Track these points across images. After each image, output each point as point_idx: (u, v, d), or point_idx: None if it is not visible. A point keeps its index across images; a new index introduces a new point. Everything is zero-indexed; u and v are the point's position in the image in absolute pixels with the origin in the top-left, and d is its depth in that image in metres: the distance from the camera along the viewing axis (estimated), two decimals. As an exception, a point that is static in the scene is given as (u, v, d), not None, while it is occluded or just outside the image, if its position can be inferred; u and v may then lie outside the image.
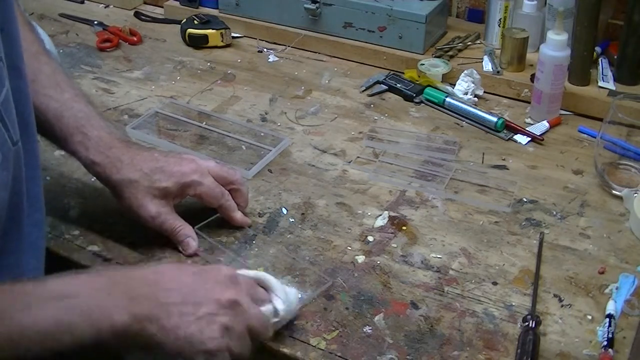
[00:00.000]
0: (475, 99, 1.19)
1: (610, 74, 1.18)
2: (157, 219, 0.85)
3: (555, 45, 1.08)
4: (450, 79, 1.23)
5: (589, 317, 0.78)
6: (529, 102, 1.16)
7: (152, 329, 0.65)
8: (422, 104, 1.19)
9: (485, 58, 1.25)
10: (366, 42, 1.32)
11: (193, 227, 0.88)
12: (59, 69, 0.88)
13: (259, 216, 0.93)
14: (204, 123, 1.12)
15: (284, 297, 0.74)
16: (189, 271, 0.72)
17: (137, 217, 0.85)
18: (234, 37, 1.40)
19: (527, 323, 0.75)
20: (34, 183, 0.75)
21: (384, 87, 1.23)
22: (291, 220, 0.93)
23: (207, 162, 0.89)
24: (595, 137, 1.02)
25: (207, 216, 0.90)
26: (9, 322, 0.60)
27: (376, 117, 1.16)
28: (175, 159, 0.87)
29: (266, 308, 0.73)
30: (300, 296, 0.78)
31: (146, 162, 0.85)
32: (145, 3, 1.56)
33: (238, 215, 0.90)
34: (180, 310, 0.67)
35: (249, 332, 0.70)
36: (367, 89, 1.23)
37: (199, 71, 1.30)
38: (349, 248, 0.88)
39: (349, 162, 1.04)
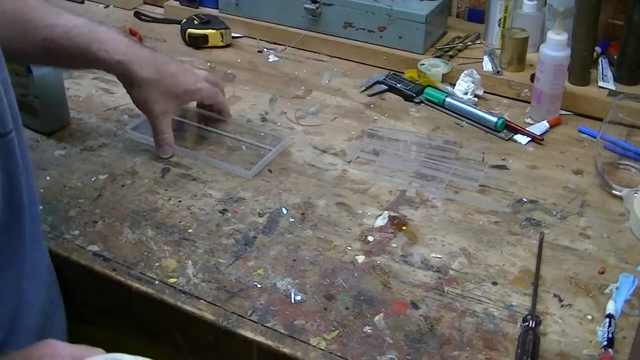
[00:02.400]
0: (475, 99, 1.19)
1: (610, 74, 1.18)
2: (158, 118, 1.00)
3: (555, 45, 1.08)
4: (450, 79, 1.23)
5: (589, 317, 0.78)
6: (529, 102, 1.16)
7: None
8: (422, 104, 1.19)
9: (485, 58, 1.25)
10: (366, 42, 1.32)
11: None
12: (44, 1, 0.94)
13: (259, 216, 0.93)
14: (203, 123, 1.12)
15: None
16: None
17: (146, 110, 1.01)
18: (234, 37, 1.40)
19: (527, 323, 0.75)
20: (27, 175, 0.74)
21: (384, 87, 1.23)
22: (291, 220, 0.93)
23: (201, 72, 1.09)
24: (595, 137, 1.02)
25: None
26: None
27: (376, 117, 1.16)
28: (182, 69, 1.02)
29: None
30: None
31: (163, 66, 0.99)
32: (145, 3, 1.56)
33: (228, 107, 1.11)
34: None
35: None
36: (367, 89, 1.23)
37: (199, 71, 1.30)
38: (349, 248, 0.88)
39: (349, 162, 1.04)
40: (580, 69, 1.16)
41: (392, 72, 1.26)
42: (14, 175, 0.70)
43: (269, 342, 0.75)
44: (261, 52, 1.37)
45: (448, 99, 1.16)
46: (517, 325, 0.77)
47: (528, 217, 0.93)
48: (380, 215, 0.94)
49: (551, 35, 1.08)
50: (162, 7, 1.52)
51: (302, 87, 1.24)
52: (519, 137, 1.10)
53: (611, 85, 1.16)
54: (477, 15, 1.39)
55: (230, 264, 0.86)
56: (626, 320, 0.78)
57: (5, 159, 0.69)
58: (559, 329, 0.77)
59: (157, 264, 0.86)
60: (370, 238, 0.90)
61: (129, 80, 0.98)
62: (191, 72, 1.05)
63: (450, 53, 1.27)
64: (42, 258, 0.79)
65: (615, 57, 1.18)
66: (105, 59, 0.95)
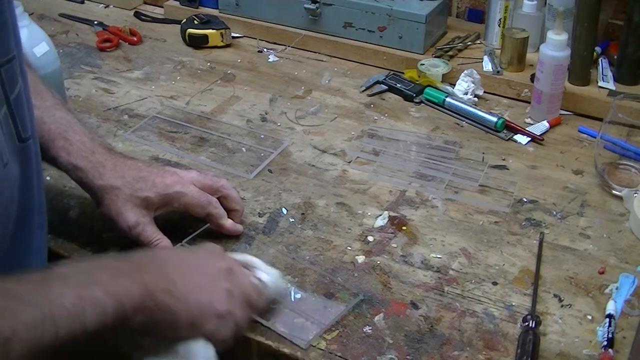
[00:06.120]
0: (475, 99, 1.19)
1: (610, 74, 1.18)
2: (135, 229, 0.83)
3: (555, 45, 1.08)
4: (450, 79, 1.23)
5: (589, 317, 0.78)
6: (529, 102, 1.16)
7: (166, 299, 0.66)
8: (422, 104, 1.19)
9: (485, 58, 1.25)
10: (366, 42, 1.32)
11: (181, 242, 0.87)
12: (38, 79, 0.87)
13: (259, 216, 0.93)
14: (204, 126, 1.12)
15: (268, 271, 0.78)
16: (182, 249, 0.78)
17: (114, 224, 0.83)
18: (234, 37, 1.40)
19: (527, 323, 0.75)
20: (39, 183, 0.75)
21: (384, 87, 1.23)
22: (291, 220, 0.93)
23: (189, 172, 0.88)
24: (595, 137, 1.02)
25: (199, 228, 0.89)
26: (35, 303, 0.57)
27: (376, 117, 1.16)
28: (157, 170, 0.86)
29: (254, 279, 0.77)
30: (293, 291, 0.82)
31: (129, 170, 0.84)
32: (145, 3, 1.56)
33: (227, 223, 0.88)
34: (186, 281, 0.69)
35: (245, 299, 0.73)
36: (367, 89, 1.23)
37: (199, 71, 1.30)
38: (349, 248, 0.88)
39: (349, 162, 1.04)
40: (580, 69, 1.15)
41: (392, 72, 1.26)
42: (27, 181, 0.71)
43: (269, 342, 0.75)
44: (261, 52, 1.37)
45: (448, 99, 1.16)
46: (517, 325, 0.77)
47: (528, 217, 0.93)
48: (380, 215, 0.94)
49: (551, 35, 1.08)
50: (162, 7, 1.52)
51: (302, 87, 1.24)
52: (519, 137, 1.10)
53: (611, 85, 1.16)
54: (477, 15, 1.39)
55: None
56: (626, 320, 0.78)
57: (22, 164, 0.69)
58: (559, 329, 0.77)
59: (157, 264, 0.86)
60: (370, 238, 0.90)
61: (87, 189, 0.84)
62: (171, 173, 0.86)
63: (450, 53, 1.27)
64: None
65: (615, 57, 1.18)
66: (62, 161, 0.83)
